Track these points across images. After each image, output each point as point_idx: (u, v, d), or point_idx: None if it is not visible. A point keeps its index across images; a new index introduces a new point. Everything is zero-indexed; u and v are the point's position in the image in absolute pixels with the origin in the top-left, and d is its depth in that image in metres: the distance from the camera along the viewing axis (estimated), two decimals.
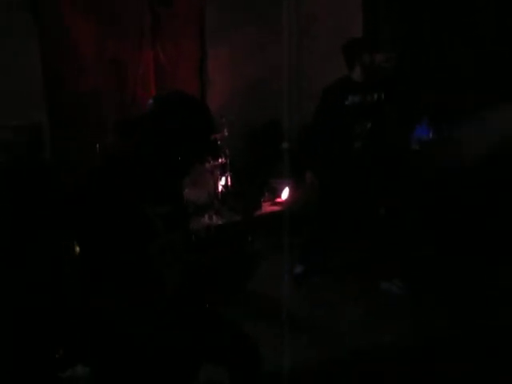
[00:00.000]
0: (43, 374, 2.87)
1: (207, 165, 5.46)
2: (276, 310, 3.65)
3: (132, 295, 1.96)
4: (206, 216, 5.30)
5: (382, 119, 3.97)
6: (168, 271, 2.06)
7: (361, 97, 3.82)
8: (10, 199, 2.95)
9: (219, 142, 5.69)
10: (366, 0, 6.43)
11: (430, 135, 5.48)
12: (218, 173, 5.64)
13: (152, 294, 2.01)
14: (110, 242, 1.95)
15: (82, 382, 2.68)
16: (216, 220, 5.23)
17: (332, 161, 4.07)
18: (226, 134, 5.75)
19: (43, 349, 3.01)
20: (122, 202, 1.98)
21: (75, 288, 3.01)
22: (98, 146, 5.08)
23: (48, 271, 3.06)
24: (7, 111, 4.61)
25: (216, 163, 5.55)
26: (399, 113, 4.74)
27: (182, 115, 2.03)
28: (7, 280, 2.93)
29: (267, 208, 5.71)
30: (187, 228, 2.44)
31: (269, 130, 6.95)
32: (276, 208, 5.76)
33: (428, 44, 5.91)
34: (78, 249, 2.20)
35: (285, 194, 5.65)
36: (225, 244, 3.69)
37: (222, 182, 5.73)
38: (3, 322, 2.98)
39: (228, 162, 5.71)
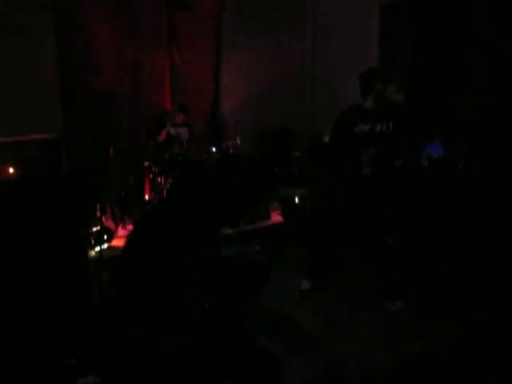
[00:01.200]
0: (54, 382, 2.93)
1: None
2: (281, 325, 3.70)
3: (161, 321, 2.06)
4: None
5: (390, 147, 4.03)
6: (196, 303, 2.16)
7: (370, 125, 3.91)
8: (35, 213, 3.02)
9: (231, 150, 5.74)
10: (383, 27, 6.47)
11: (441, 153, 5.55)
12: None
13: (179, 319, 2.11)
14: (149, 286, 2.08)
15: None
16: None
17: (341, 184, 4.16)
18: (239, 142, 5.79)
19: (55, 356, 3.08)
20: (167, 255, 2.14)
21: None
22: (111, 149, 5.14)
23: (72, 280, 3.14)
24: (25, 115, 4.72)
25: None
26: (410, 137, 4.81)
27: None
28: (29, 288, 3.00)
29: (276, 218, 5.69)
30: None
31: (280, 137, 6.99)
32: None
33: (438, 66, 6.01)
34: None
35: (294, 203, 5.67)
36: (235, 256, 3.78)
37: None
38: (18, 327, 3.05)
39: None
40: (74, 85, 5.49)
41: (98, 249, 4.43)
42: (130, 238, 2.58)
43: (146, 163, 5.58)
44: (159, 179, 5.43)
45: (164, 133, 5.72)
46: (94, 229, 4.63)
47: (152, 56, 6.09)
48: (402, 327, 3.70)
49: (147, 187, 5.70)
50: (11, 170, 3.17)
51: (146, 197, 5.70)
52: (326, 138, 5.53)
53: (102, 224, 4.71)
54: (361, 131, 3.91)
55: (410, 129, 4.39)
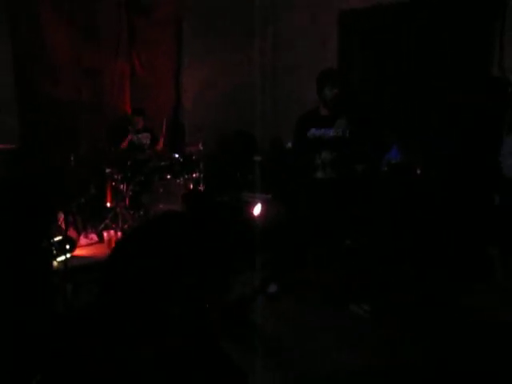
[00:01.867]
0: None
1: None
2: (246, 329, 3.74)
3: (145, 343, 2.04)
4: None
5: (345, 152, 4.11)
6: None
7: (324, 130, 4.04)
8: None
9: (194, 157, 5.75)
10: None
11: (399, 158, 5.75)
12: None
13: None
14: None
15: None
16: None
17: (299, 187, 4.26)
18: (201, 147, 5.80)
19: (19, 373, 3.02)
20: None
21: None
22: (72, 156, 5.05)
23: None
24: None
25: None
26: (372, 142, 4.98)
27: None
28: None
29: None
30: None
31: (241, 141, 7.03)
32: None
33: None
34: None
35: (257, 209, 5.72)
36: None
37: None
38: None
39: (202, 176, 5.74)
40: (31, 91, 5.36)
41: (60, 259, 4.37)
42: (118, 247, 2.49)
43: (108, 170, 5.51)
44: (121, 186, 5.37)
45: (126, 140, 5.68)
46: (56, 238, 4.55)
47: (112, 61, 6.02)
48: (367, 330, 3.80)
49: (109, 194, 5.63)
50: None
51: (108, 204, 5.63)
52: (288, 143, 5.63)
53: (64, 233, 4.62)
54: (313, 135, 4.00)
55: (372, 134, 4.52)
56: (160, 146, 5.87)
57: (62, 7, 5.44)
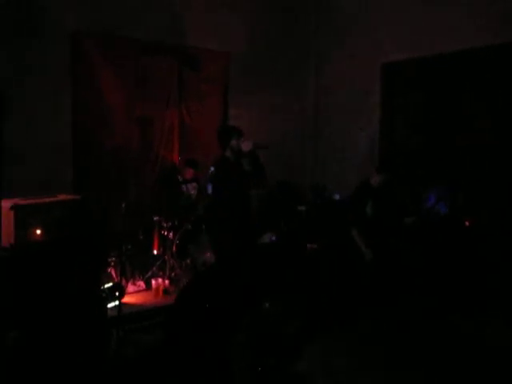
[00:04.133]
0: None
1: None
2: None
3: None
4: None
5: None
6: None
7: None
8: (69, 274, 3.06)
9: None
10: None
11: (446, 210, 5.74)
12: None
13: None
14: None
15: None
16: None
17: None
18: None
19: None
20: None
21: None
22: (123, 204, 5.18)
23: None
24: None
25: None
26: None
27: None
28: None
29: None
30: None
31: (282, 191, 7.11)
32: None
33: None
34: None
35: None
36: None
37: None
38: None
39: None
40: (86, 144, 5.62)
41: (111, 305, 4.44)
42: (183, 293, 2.67)
43: (156, 218, 5.63)
44: (169, 234, 5.46)
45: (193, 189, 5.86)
46: (107, 285, 4.63)
47: (162, 112, 6.26)
48: None
49: (156, 242, 5.73)
50: (38, 232, 3.21)
51: (155, 252, 5.72)
52: (336, 195, 5.79)
53: (115, 281, 4.71)
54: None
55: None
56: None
57: (122, 65, 5.77)
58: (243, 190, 4.59)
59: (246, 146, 4.52)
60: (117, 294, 4.67)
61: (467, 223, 5.71)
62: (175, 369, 2.42)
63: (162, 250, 5.62)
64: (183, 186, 5.85)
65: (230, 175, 4.47)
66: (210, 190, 4.59)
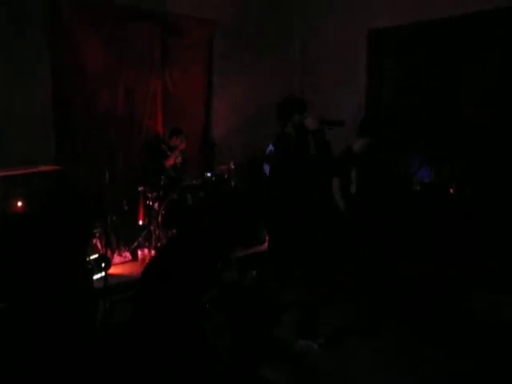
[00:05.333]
0: None
1: None
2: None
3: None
4: None
5: None
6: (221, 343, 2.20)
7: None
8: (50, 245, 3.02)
9: (226, 175, 5.79)
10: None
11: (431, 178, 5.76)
12: None
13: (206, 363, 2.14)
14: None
15: None
16: None
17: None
18: (233, 166, 5.84)
19: None
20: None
21: None
22: (107, 174, 5.11)
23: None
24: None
25: None
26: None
27: None
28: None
29: None
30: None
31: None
32: None
33: None
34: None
35: None
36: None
37: None
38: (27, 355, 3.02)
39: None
40: (67, 112, 5.46)
41: (96, 277, 4.42)
42: (151, 264, 2.63)
43: (141, 188, 5.57)
44: (154, 204, 5.42)
45: (172, 159, 5.75)
46: (92, 256, 4.60)
47: (145, 80, 6.11)
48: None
49: (141, 212, 5.69)
50: (20, 204, 3.14)
51: (140, 222, 5.68)
52: None
53: (101, 252, 4.68)
54: None
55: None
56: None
57: (99, 29, 5.56)
58: (310, 175, 3.86)
59: (311, 123, 3.75)
60: (103, 265, 4.66)
61: (451, 191, 5.75)
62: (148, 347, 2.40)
63: (147, 220, 5.58)
64: (168, 154, 5.77)
65: (293, 156, 3.76)
66: (266, 170, 3.92)
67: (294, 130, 3.81)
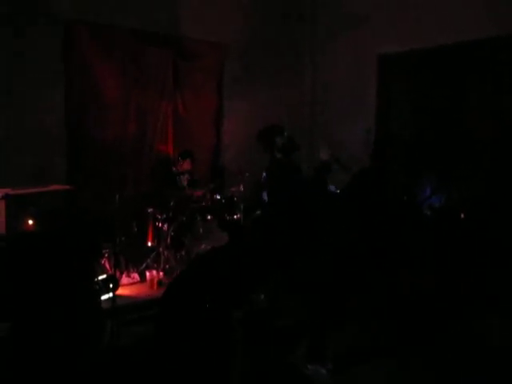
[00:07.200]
0: None
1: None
2: None
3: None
4: None
5: None
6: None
7: None
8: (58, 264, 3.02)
9: (235, 198, 5.79)
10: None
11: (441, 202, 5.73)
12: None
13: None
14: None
15: None
16: None
17: None
18: (242, 189, 5.85)
19: None
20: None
21: None
22: (117, 196, 5.13)
23: None
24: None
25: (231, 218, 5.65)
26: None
27: None
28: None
29: None
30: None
31: None
32: None
33: None
34: None
35: None
36: None
37: None
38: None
39: (242, 216, 5.77)
40: (79, 135, 5.55)
41: (105, 297, 4.39)
42: (175, 284, 2.64)
43: (150, 210, 5.59)
44: (163, 226, 5.42)
45: (182, 181, 5.80)
46: (100, 277, 4.59)
47: (157, 103, 6.19)
48: None
49: (150, 234, 5.69)
50: (30, 222, 3.17)
51: (149, 243, 5.69)
52: (331, 187, 5.69)
53: (109, 272, 4.68)
54: None
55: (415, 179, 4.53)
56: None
57: (113, 53, 5.68)
58: (304, 192, 4.08)
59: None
60: (111, 285, 4.65)
61: (462, 215, 5.70)
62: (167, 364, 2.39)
63: (156, 241, 5.58)
64: (177, 178, 5.81)
65: (286, 177, 4.04)
66: (265, 197, 4.17)
67: (281, 153, 4.10)
